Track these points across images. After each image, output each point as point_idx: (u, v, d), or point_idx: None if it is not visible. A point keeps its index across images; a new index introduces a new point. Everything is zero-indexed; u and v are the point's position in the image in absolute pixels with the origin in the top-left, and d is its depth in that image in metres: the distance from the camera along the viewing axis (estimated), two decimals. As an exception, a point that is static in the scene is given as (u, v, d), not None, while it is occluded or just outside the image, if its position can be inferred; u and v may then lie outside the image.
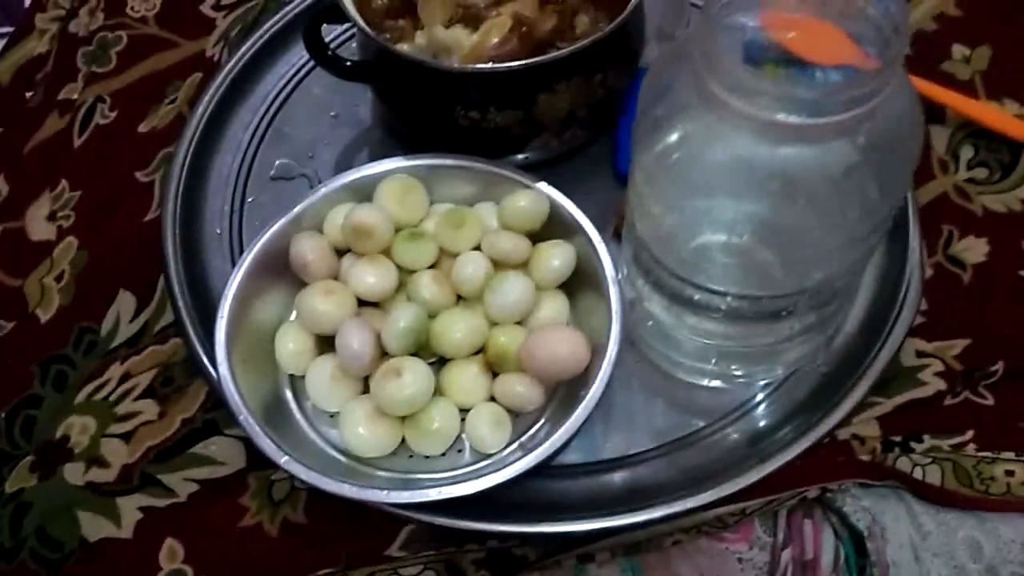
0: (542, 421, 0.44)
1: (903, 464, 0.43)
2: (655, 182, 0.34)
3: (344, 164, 0.55)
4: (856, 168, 0.31)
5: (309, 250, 0.45)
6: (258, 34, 0.58)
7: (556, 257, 0.46)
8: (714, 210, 0.35)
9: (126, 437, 0.47)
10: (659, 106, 0.33)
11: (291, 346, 0.45)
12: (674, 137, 0.33)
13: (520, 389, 0.43)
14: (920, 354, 0.46)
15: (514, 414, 0.44)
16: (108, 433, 0.47)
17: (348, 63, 0.50)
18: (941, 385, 0.45)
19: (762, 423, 0.44)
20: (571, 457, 0.45)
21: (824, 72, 0.41)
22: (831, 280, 0.36)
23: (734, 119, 0.30)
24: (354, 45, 0.56)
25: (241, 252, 0.51)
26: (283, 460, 0.40)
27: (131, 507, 0.45)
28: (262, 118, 0.56)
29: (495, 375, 0.44)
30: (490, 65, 0.47)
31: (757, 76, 0.29)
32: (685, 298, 0.38)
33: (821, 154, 0.31)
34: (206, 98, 0.56)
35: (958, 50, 0.57)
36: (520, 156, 0.52)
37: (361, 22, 0.47)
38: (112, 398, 0.48)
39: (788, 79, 0.45)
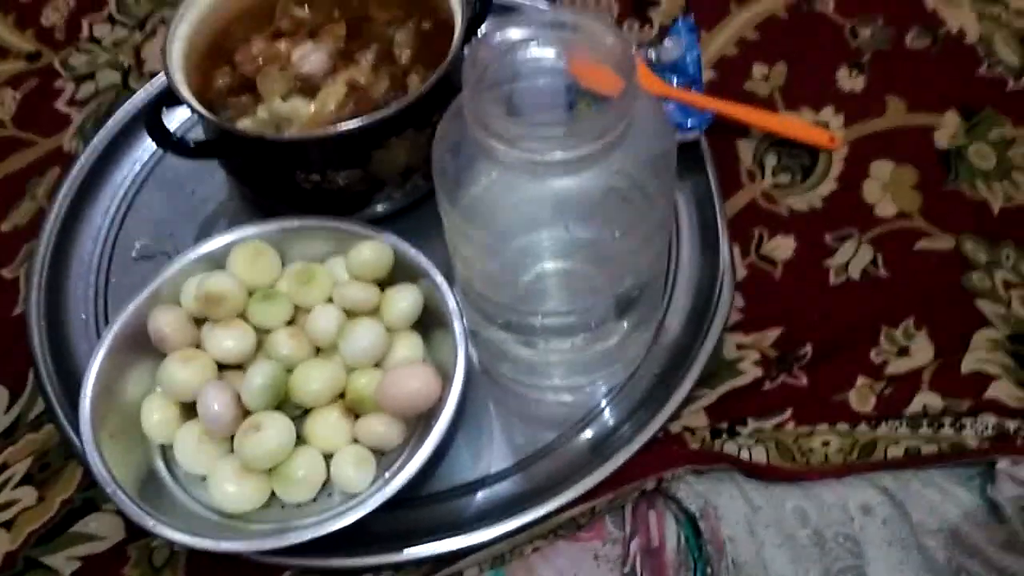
0: (405, 454, 0.47)
1: (731, 448, 0.47)
2: (460, 230, 0.38)
3: (204, 236, 0.57)
4: (615, 190, 0.36)
5: (165, 323, 0.48)
6: (110, 123, 0.61)
7: (403, 300, 0.49)
8: (515, 244, 0.39)
9: (7, 525, 0.48)
10: (448, 162, 0.37)
11: (156, 416, 0.47)
12: (466, 188, 0.37)
13: (380, 429, 0.46)
14: (739, 347, 0.50)
15: (379, 452, 0.47)
16: (-11, 524, 0.48)
17: (192, 144, 0.52)
18: (759, 372, 0.49)
19: (603, 427, 0.48)
20: (438, 484, 0.48)
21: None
22: (635, 285, 0.40)
23: (506, 163, 0.34)
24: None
25: (108, 333, 0.53)
26: (151, 524, 0.42)
27: (16, 593, 0.46)
28: (120, 202, 0.59)
29: (358, 417, 0.47)
30: (320, 130, 0.50)
31: (511, 123, 0.33)
32: (507, 323, 0.42)
33: (588, 180, 0.35)
34: (63, 189, 0.58)
35: (758, 69, 0.63)
36: (369, 211, 0.55)
37: (196, 104, 0.50)
38: (-10, 490, 0.49)
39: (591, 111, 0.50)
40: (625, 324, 0.43)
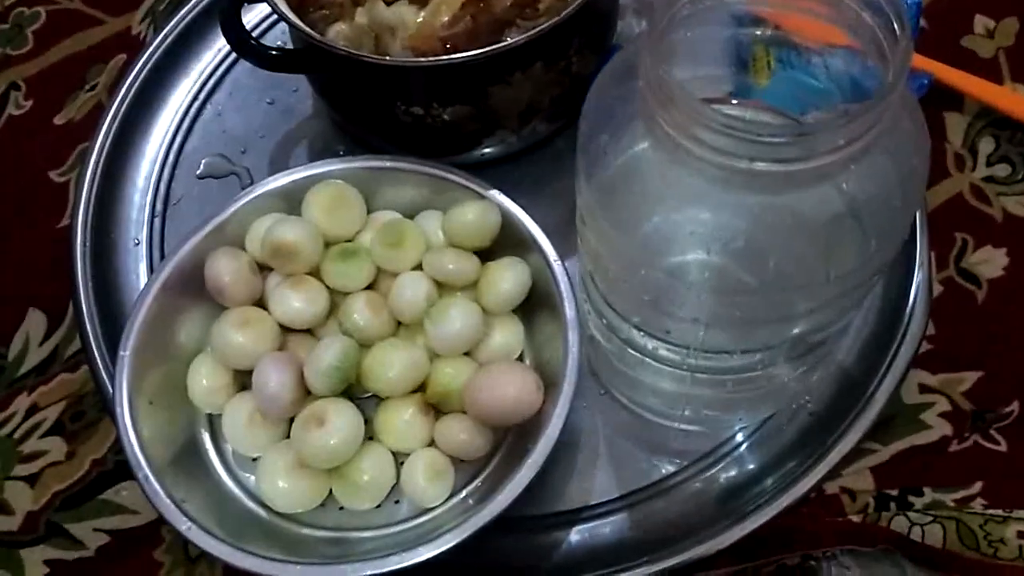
0: (489, 469, 0.39)
1: (899, 523, 0.37)
2: (598, 217, 0.28)
3: (280, 160, 0.49)
4: (842, 217, 0.25)
5: (226, 272, 0.40)
6: (186, 9, 0.52)
7: (507, 280, 0.40)
8: (666, 260, 0.29)
9: (31, 480, 0.42)
10: (604, 131, 0.27)
11: (205, 382, 0.40)
12: (620, 171, 0.27)
13: (463, 436, 0.38)
14: (924, 389, 0.40)
15: (457, 460, 0.39)
16: (12, 475, 0.42)
17: (273, 52, 0.43)
18: (947, 429, 0.39)
19: (739, 472, 0.39)
20: (522, 507, 0.39)
21: (822, 57, 0.35)
22: (809, 333, 0.30)
23: (690, 161, 0.24)
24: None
25: (162, 266, 0.45)
26: (185, 527, 0.35)
27: (36, 560, 0.41)
28: (188, 107, 0.50)
29: (438, 412, 0.39)
30: (429, 58, 0.40)
31: (719, 114, 0.22)
32: (640, 347, 0.32)
33: (798, 201, 0.24)
34: (126, 84, 0.50)
35: (981, 22, 0.50)
36: (474, 153, 0.46)
37: (284, 8, 0.41)
38: (17, 435, 0.43)
39: (781, 66, 0.39)
40: (792, 369, 0.33)
